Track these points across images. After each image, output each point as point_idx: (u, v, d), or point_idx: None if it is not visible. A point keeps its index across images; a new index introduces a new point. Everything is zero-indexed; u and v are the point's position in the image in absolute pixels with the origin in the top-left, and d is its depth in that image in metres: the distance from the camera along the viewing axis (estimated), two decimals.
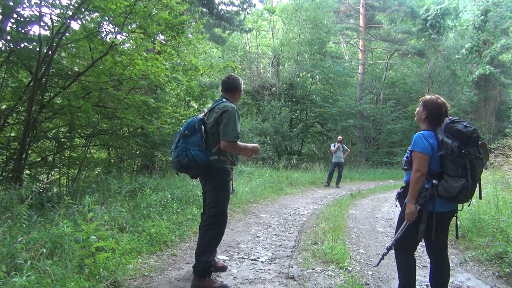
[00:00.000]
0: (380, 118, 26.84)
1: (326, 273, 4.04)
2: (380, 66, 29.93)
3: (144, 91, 10.16)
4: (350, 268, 4.20)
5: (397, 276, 3.44)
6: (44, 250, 3.26)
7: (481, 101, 32.68)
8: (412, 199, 3.05)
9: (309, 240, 5.49)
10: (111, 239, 3.91)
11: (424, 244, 3.38)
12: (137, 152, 10.76)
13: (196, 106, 12.02)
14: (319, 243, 5.23)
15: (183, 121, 10.59)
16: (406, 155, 3.28)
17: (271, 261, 4.55)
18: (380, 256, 3.51)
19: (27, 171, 7.90)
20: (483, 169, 3.13)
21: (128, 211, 5.41)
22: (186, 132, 3.53)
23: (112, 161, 11.08)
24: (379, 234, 6.62)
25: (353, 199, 11.11)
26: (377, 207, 10.11)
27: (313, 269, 4.17)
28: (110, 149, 10.86)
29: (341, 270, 4.13)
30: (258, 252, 4.90)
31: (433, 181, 3.02)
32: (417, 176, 3.01)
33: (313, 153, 24.59)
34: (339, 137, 15.14)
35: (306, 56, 22.06)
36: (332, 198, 11.23)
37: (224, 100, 3.68)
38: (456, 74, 28.89)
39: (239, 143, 3.50)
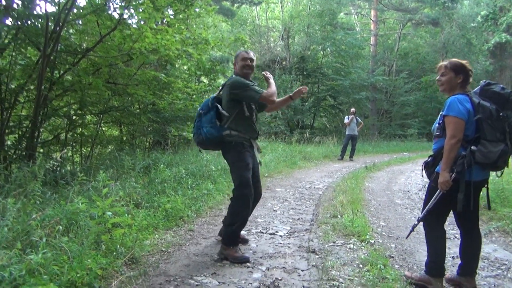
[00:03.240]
0: (392, 90, 26.36)
1: (348, 246, 3.93)
2: (393, 37, 29.18)
3: (154, 67, 10.00)
4: (372, 241, 4.08)
5: (425, 248, 3.31)
6: (60, 227, 3.18)
7: (497, 70, 31.83)
8: (447, 167, 2.87)
9: (327, 214, 5.38)
10: (127, 215, 3.82)
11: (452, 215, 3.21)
12: (149, 129, 10.68)
13: (207, 81, 11.84)
14: (338, 216, 5.11)
15: (193, 96, 10.47)
16: (437, 121, 3.10)
17: (290, 235, 4.45)
18: (410, 228, 3.39)
19: (40, 150, 7.87)
20: None
21: (143, 187, 5.34)
22: (201, 111, 3.77)
23: (124, 138, 11.03)
24: (398, 206, 6.48)
25: (368, 172, 10.95)
26: (393, 180, 9.95)
27: (334, 242, 4.06)
28: (122, 126, 10.80)
29: (363, 243, 4.01)
30: (276, 226, 4.80)
31: (472, 147, 2.85)
32: (452, 143, 2.83)
33: (325, 126, 24.34)
34: (352, 110, 14.88)
35: (317, 28, 21.54)
36: (347, 171, 11.08)
37: (233, 75, 3.83)
38: (471, 43, 28.08)
39: (266, 91, 3.61)
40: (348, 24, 25.93)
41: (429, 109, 27.53)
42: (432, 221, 3.14)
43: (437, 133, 3.07)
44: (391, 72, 27.13)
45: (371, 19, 26.05)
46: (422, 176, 3.40)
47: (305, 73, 20.71)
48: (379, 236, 4.39)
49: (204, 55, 7.96)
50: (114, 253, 3.15)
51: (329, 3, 21.33)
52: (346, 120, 14.63)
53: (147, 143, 11.43)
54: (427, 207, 3.08)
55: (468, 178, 2.87)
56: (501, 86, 2.94)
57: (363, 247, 3.90)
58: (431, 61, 29.18)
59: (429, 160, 3.19)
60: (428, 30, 28.27)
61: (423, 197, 7.54)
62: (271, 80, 3.79)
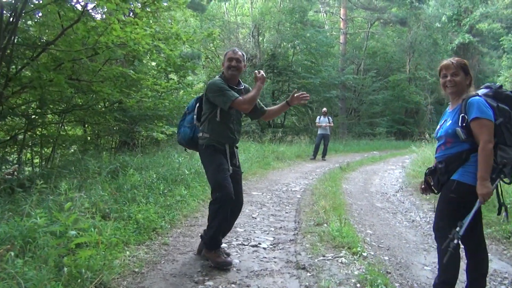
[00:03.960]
0: (361, 88, 26.50)
1: (339, 260, 3.61)
2: (361, 36, 29.35)
3: (120, 63, 9.43)
4: (364, 254, 3.78)
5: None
6: (11, 253, 2.68)
7: None
8: (488, 175, 2.59)
9: (310, 221, 5.07)
10: (93, 229, 3.37)
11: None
12: (115, 128, 10.10)
13: (176, 79, 11.34)
14: (324, 224, 4.80)
15: (163, 94, 9.97)
16: (458, 124, 2.73)
17: (274, 247, 4.10)
18: (449, 249, 2.67)
19: None
20: None
21: (110, 195, 4.85)
22: (186, 111, 3.80)
23: (89, 138, 10.41)
24: (380, 210, 6.26)
25: (343, 172, 10.77)
26: (368, 181, 9.80)
27: (323, 255, 3.74)
28: (86, 126, 10.17)
29: (355, 256, 3.70)
30: (258, 237, 4.44)
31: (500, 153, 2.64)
32: (490, 148, 2.59)
33: (294, 125, 24.18)
34: (324, 109, 14.74)
35: (287, 25, 21.27)
36: (321, 171, 10.87)
37: (216, 78, 3.64)
38: (437, 43, 28.62)
39: (242, 97, 3.45)
40: (318, 22, 25.83)
41: (396, 108, 27.92)
42: (446, 235, 2.73)
43: (463, 137, 2.71)
44: (360, 71, 27.27)
45: (340, 18, 26.06)
46: (423, 185, 3.10)
47: (275, 71, 20.41)
48: (369, 247, 4.10)
49: (176, 50, 7.48)
50: (79, 279, 2.70)
51: (299, 0, 21.14)
52: (317, 121, 14.47)
53: (113, 144, 10.84)
54: (467, 222, 2.62)
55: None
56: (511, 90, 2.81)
57: (356, 261, 3.59)
58: (398, 61, 29.61)
59: (440, 166, 2.85)
60: (395, 29, 28.62)
61: (401, 199, 7.40)
62: (258, 84, 3.51)
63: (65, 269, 2.72)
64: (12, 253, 2.63)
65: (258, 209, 5.89)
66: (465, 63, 2.88)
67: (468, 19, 32.89)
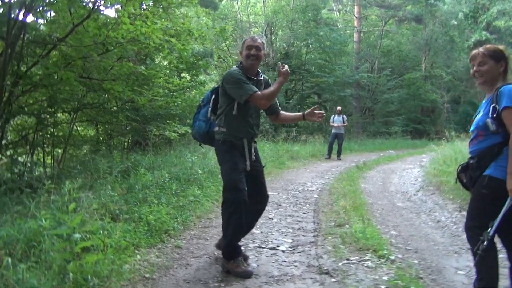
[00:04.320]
0: (376, 87, 26.07)
1: (365, 264, 3.35)
2: (375, 34, 28.88)
3: (133, 62, 9.28)
4: (392, 257, 3.50)
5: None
6: (10, 260, 2.46)
7: None
8: None
9: (331, 222, 4.80)
10: (101, 232, 3.16)
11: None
12: (128, 128, 9.95)
13: (189, 77, 11.15)
14: (346, 225, 4.53)
15: (175, 93, 9.80)
16: (489, 115, 2.50)
17: (294, 249, 3.85)
18: (479, 252, 2.45)
19: (7, 152, 7.11)
20: None
21: (121, 195, 4.65)
22: (201, 103, 3.59)
23: (101, 138, 10.27)
24: (402, 210, 5.96)
25: (359, 171, 10.46)
26: (386, 180, 9.48)
27: (347, 259, 3.47)
28: (98, 125, 10.03)
29: (381, 260, 3.43)
30: (276, 239, 4.19)
31: None
32: None
33: (309, 125, 23.84)
34: (338, 108, 14.43)
35: (300, 23, 20.98)
36: (337, 171, 10.58)
37: (235, 68, 3.37)
38: (454, 41, 28.04)
39: (261, 92, 3.20)
40: (331, 21, 25.47)
41: (412, 107, 27.39)
42: (478, 235, 2.47)
43: (493, 129, 2.47)
44: (374, 70, 26.82)
45: (354, 16, 25.71)
46: (456, 183, 2.84)
47: (289, 70, 20.12)
48: (396, 250, 3.82)
49: (187, 45, 7.26)
50: (85, 287, 2.48)
51: None
52: (331, 120, 14.18)
53: (126, 144, 10.68)
54: (497, 222, 2.41)
55: None
56: None
57: (383, 265, 3.32)
58: (413, 59, 29.07)
59: (471, 162, 2.60)
60: (410, 27, 28.09)
61: (423, 198, 7.08)
62: (280, 79, 3.24)
63: (70, 275, 2.50)
64: (10, 260, 2.41)
65: (274, 210, 5.64)
66: (495, 50, 2.60)
67: (484, 16, 32.21)
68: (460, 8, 29.51)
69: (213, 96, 3.46)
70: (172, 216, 4.41)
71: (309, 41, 20.79)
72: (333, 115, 14.38)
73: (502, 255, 2.61)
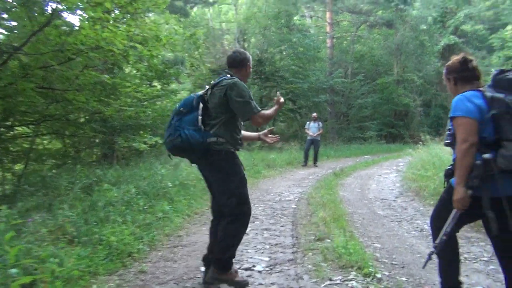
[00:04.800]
0: (349, 92, 26.14)
1: (350, 285, 3.05)
2: (348, 39, 29.03)
3: (100, 72, 8.85)
4: (379, 275, 3.22)
5: (438, 278, 2.69)
6: None
7: None
8: (461, 180, 2.32)
9: (310, 235, 4.50)
10: (52, 260, 2.77)
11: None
12: (97, 140, 9.48)
13: (159, 86, 10.76)
14: (326, 238, 4.24)
15: (145, 103, 9.41)
16: (448, 127, 2.53)
17: (271, 269, 3.52)
18: (426, 257, 2.70)
19: None
20: None
21: (80, 215, 4.23)
22: (181, 109, 3.11)
23: (70, 151, 9.75)
24: (383, 219, 5.72)
25: (337, 178, 10.26)
26: (364, 186, 9.29)
27: (330, 279, 3.17)
28: (65, 138, 9.51)
29: (367, 279, 3.14)
30: (252, 257, 3.86)
31: (485, 155, 2.27)
32: (464, 149, 2.28)
33: (283, 132, 23.66)
34: (314, 114, 14.25)
35: (273, 29, 20.84)
36: (314, 178, 10.34)
37: (229, 76, 3.21)
38: (424, 45, 28.47)
39: (264, 111, 3.16)
40: (304, 27, 25.43)
41: (385, 111, 27.58)
42: (445, 245, 2.54)
43: (447, 141, 2.54)
44: (347, 75, 26.91)
45: (326, 22, 25.75)
46: (445, 186, 2.69)
47: (263, 77, 19.94)
48: (382, 266, 3.54)
49: (155, 51, 6.89)
50: None
51: (285, 3, 20.72)
52: (306, 126, 14.00)
53: (94, 156, 10.19)
54: (444, 231, 2.49)
55: (495, 194, 2.28)
56: None
57: (369, 285, 3.03)
58: (385, 64, 29.37)
59: (449, 167, 2.58)
60: (382, 32, 28.36)
61: (403, 205, 6.88)
62: (276, 107, 3.31)
63: None
64: None
65: (250, 223, 5.30)
66: (446, 67, 2.71)
67: (452, 20, 32.97)
68: (429, 12, 30.08)
69: (201, 105, 3.15)
70: (137, 236, 4.03)
71: (282, 48, 20.65)
72: (308, 121, 14.20)
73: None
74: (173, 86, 12.01)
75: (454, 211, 2.43)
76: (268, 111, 3.22)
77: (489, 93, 2.37)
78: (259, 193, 7.78)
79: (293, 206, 6.53)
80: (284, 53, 21.48)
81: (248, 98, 3.07)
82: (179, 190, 6.16)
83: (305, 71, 21.30)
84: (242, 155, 12.33)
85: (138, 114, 8.57)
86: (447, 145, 2.58)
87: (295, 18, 24.01)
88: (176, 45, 7.93)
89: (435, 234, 2.63)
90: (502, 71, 2.46)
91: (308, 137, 13.72)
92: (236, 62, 3.32)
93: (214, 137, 3.07)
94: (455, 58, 2.66)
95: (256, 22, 20.58)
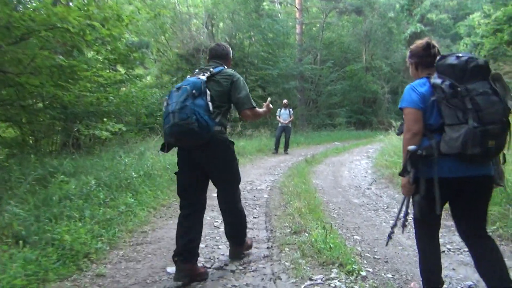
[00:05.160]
0: (319, 79, 26.03)
1: (332, 285, 2.78)
2: (317, 25, 28.79)
3: (58, 55, 8.22)
4: (363, 273, 2.96)
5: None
6: None
7: None
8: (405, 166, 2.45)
9: (286, 228, 4.21)
10: None
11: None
12: (59, 128, 8.86)
13: (123, 71, 10.20)
14: (303, 232, 3.95)
15: (107, 88, 8.88)
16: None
17: (245, 268, 3.21)
18: (387, 236, 2.92)
19: None
20: (510, 109, 2.30)
21: (32, 210, 3.78)
22: (194, 92, 2.92)
23: (27, 139, 9.08)
24: (359, 208, 5.51)
25: (309, 166, 10.03)
26: (337, 173, 9.11)
27: (310, 278, 2.88)
28: (21, 126, 8.84)
29: (350, 277, 2.87)
30: (224, 254, 3.54)
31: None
32: (407, 138, 2.40)
33: None
34: (285, 101, 13.95)
35: (242, 15, 20.30)
36: (285, 166, 10.10)
37: (225, 67, 3.36)
38: (392, 32, 28.63)
39: (258, 108, 3.27)
40: (274, 12, 24.99)
41: (354, 98, 27.69)
42: (420, 231, 2.62)
43: (397, 132, 2.68)
44: (316, 62, 26.75)
45: (295, 7, 25.41)
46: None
47: (232, 62, 19.42)
48: (365, 262, 3.28)
49: (115, 31, 6.36)
50: None
51: None
52: (277, 114, 13.70)
53: (54, 146, 9.55)
54: (397, 215, 2.75)
55: (430, 175, 2.35)
56: (458, 54, 2.37)
57: (354, 285, 2.76)
58: (354, 51, 29.38)
59: None
60: (351, 19, 28.26)
61: (378, 192, 6.72)
62: (265, 109, 3.40)
63: None
64: None
65: (221, 216, 4.98)
66: (409, 51, 2.72)
67: (419, 8, 33.37)
68: (396, 0, 30.27)
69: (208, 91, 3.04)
70: (96, 234, 3.62)
71: (251, 33, 20.20)
72: (279, 109, 13.89)
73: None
74: (139, 71, 11.45)
75: (403, 197, 2.60)
76: (260, 110, 3.30)
77: (432, 80, 2.39)
78: None
79: (266, 195, 6.24)
80: (253, 39, 21.02)
81: (248, 91, 3.22)
82: (144, 181, 5.73)
83: (274, 58, 20.96)
84: None
85: (100, 100, 8.07)
86: (399, 134, 2.64)
87: (264, 3, 23.52)
88: (140, 26, 7.43)
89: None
90: (443, 57, 2.42)
91: (280, 124, 13.45)
92: (224, 55, 3.44)
93: (219, 126, 3.08)
94: (419, 42, 2.67)
95: (224, 6, 20.00)
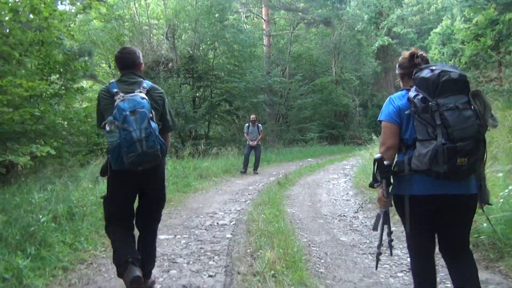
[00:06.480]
0: (288, 93, 24.95)
1: None
2: (285, 39, 27.81)
3: None
4: None
5: None
6: None
7: (382, 72, 32.72)
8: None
9: None
10: None
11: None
12: None
13: (61, 82, 8.63)
14: None
15: (39, 101, 7.39)
16: None
17: None
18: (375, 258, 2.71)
19: None
20: (487, 126, 2.23)
21: None
22: (151, 115, 2.78)
23: None
24: (351, 250, 4.16)
25: (281, 188, 8.69)
26: (314, 197, 7.84)
27: None
28: None
29: None
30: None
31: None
32: (381, 152, 2.37)
33: (221, 136, 21.87)
34: (253, 116, 12.54)
35: (206, 25, 18.99)
36: (255, 189, 8.73)
37: (146, 80, 3.07)
38: (361, 44, 28.01)
39: None
40: (239, 22, 23.77)
41: (325, 112, 26.76)
42: (412, 249, 2.49)
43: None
44: (285, 75, 25.70)
45: (262, 18, 24.38)
46: None
47: (195, 75, 18.03)
48: None
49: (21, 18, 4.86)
50: None
51: None
52: (245, 130, 12.34)
53: None
54: (381, 233, 2.57)
55: (402, 192, 2.35)
56: (432, 68, 2.29)
57: None
58: (323, 64, 28.59)
59: None
60: (320, 30, 27.44)
61: (367, 223, 5.41)
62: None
63: None
64: None
65: (163, 272, 3.54)
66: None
67: (385, 22, 33.14)
68: (365, 11, 29.88)
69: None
70: None
71: (216, 44, 18.91)
72: (247, 124, 12.49)
73: None
74: (83, 84, 9.88)
75: (379, 211, 2.52)
76: None
77: (409, 93, 2.35)
78: (185, 216, 5.99)
79: (228, 235, 4.81)
80: (218, 50, 19.71)
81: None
82: (60, 225, 4.18)
83: (241, 70, 19.71)
84: (170, 164, 10.50)
85: (23, 117, 6.53)
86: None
87: (230, 15, 22.28)
88: (70, 26, 5.96)
89: None
90: (420, 69, 2.36)
91: (248, 143, 12.10)
92: (137, 63, 3.10)
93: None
94: (404, 53, 2.63)
95: (185, 15, 18.66)
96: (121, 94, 2.81)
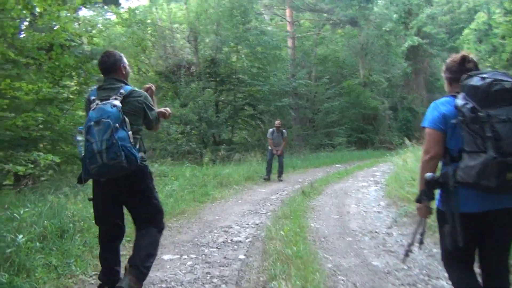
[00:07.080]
0: (314, 96, 24.15)
1: None
2: (310, 41, 27.03)
3: None
4: None
5: None
6: None
7: (412, 73, 31.45)
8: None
9: None
10: None
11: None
12: None
13: (74, 86, 8.29)
14: None
15: (48, 106, 7.02)
16: None
17: None
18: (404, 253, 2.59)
19: None
20: None
21: None
22: (117, 125, 2.69)
23: None
24: (387, 279, 3.45)
25: (306, 199, 7.99)
26: (342, 209, 7.11)
27: None
28: None
29: None
30: None
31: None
32: (423, 161, 2.28)
33: (246, 141, 21.27)
34: (277, 122, 11.83)
35: (228, 27, 18.48)
36: (277, 199, 8.07)
37: (129, 85, 3.01)
38: (390, 44, 26.93)
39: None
40: (262, 24, 23.14)
41: (353, 115, 25.78)
42: (448, 259, 2.39)
43: None
44: (311, 78, 24.92)
45: (287, 20, 23.74)
46: None
47: (217, 79, 17.54)
48: None
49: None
50: None
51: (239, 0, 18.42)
52: (269, 136, 11.63)
53: None
54: (414, 232, 2.48)
55: (448, 208, 2.18)
56: (483, 75, 2.11)
57: None
58: (350, 66, 27.66)
59: None
60: (346, 31, 26.57)
61: (403, 242, 4.67)
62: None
63: None
64: None
65: None
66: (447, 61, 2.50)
67: (415, 21, 31.87)
68: (393, 10, 28.77)
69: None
70: None
71: (238, 47, 18.37)
72: (271, 130, 11.77)
73: None
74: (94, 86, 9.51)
75: (418, 218, 2.45)
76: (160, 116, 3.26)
77: (456, 100, 2.19)
78: (197, 231, 5.39)
79: (241, 256, 4.18)
80: (240, 52, 19.16)
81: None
82: (45, 246, 3.64)
83: (265, 72, 19.08)
84: (188, 171, 9.97)
85: (26, 122, 6.13)
86: None
87: (252, 18, 21.72)
88: (69, 22, 5.50)
89: None
90: (469, 76, 2.18)
91: (270, 149, 11.44)
92: (115, 67, 2.99)
93: (141, 152, 2.97)
94: (454, 56, 2.45)
95: (207, 17, 18.21)
96: (96, 102, 2.78)
